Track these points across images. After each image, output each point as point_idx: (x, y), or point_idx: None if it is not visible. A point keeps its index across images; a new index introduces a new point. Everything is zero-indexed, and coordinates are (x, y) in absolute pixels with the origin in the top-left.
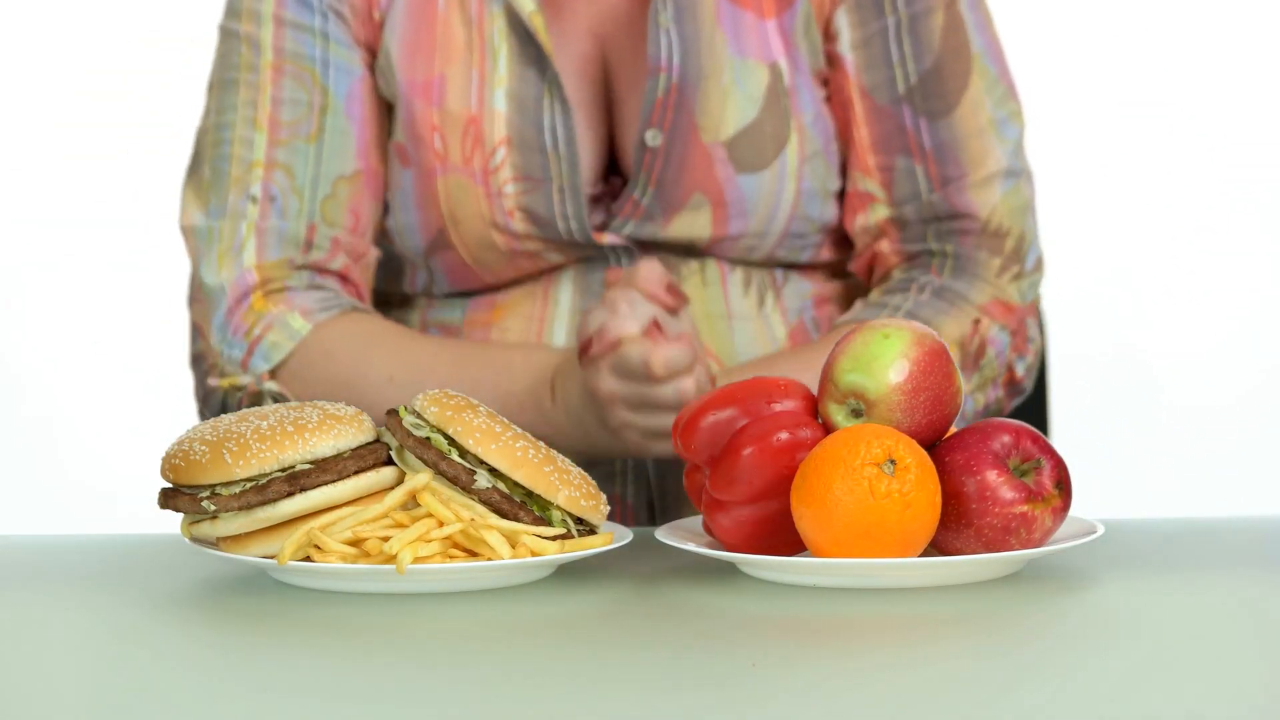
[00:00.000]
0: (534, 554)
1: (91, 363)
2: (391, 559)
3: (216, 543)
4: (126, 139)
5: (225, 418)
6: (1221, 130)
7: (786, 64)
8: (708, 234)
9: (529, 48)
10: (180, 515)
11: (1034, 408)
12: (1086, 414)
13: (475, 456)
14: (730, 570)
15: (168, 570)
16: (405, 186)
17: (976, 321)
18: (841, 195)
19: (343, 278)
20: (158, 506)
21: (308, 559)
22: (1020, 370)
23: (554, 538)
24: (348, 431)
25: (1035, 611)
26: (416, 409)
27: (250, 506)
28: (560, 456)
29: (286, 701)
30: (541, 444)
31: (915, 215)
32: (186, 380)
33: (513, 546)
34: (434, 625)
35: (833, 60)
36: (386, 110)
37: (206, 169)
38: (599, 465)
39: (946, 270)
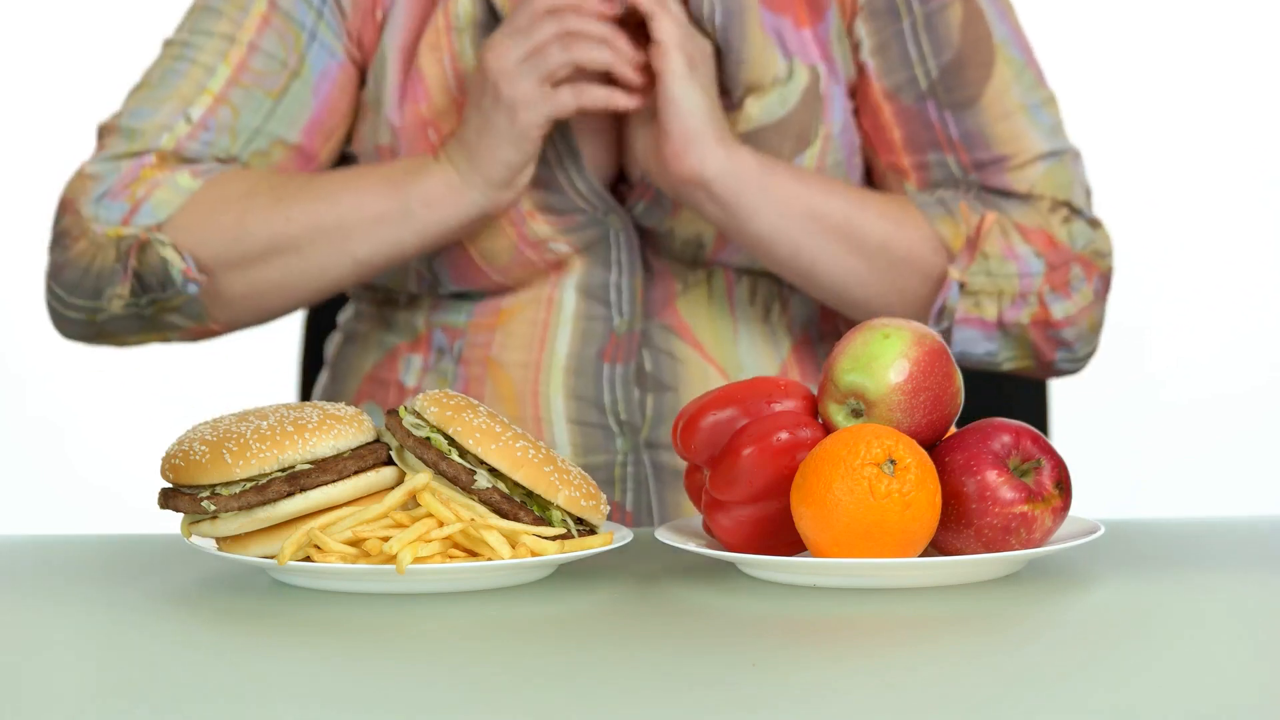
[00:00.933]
0: (534, 554)
1: (92, 363)
2: (391, 559)
3: (217, 543)
4: None
5: (226, 417)
6: (1222, 128)
7: (824, 70)
8: (713, 231)
9: (493, 28)
10: (180, 515)
11: (1034, 408)
12: (1086, 414)
13: (475, 456)
14: (730, 570)
15: (168, 570)
16: None
17: (990, 218)
18: None
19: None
20: (158, 506)
21: (308, 559)
22: (1058, 313)
23: (554, 538)
24: (348, 431)
25: (1035, 611)
26: (417, 409)
27: (250, 506)
28: (560, 457)
29: (286, 701)
30: (541, 444)
31: (950, 187)
32: (187, 380)
33: (513, 546)
34: (434, 625)
35: (858, 70)
36: (351, 111)
37: (154, 73)
38: (598, 472)
39: (996, 200)
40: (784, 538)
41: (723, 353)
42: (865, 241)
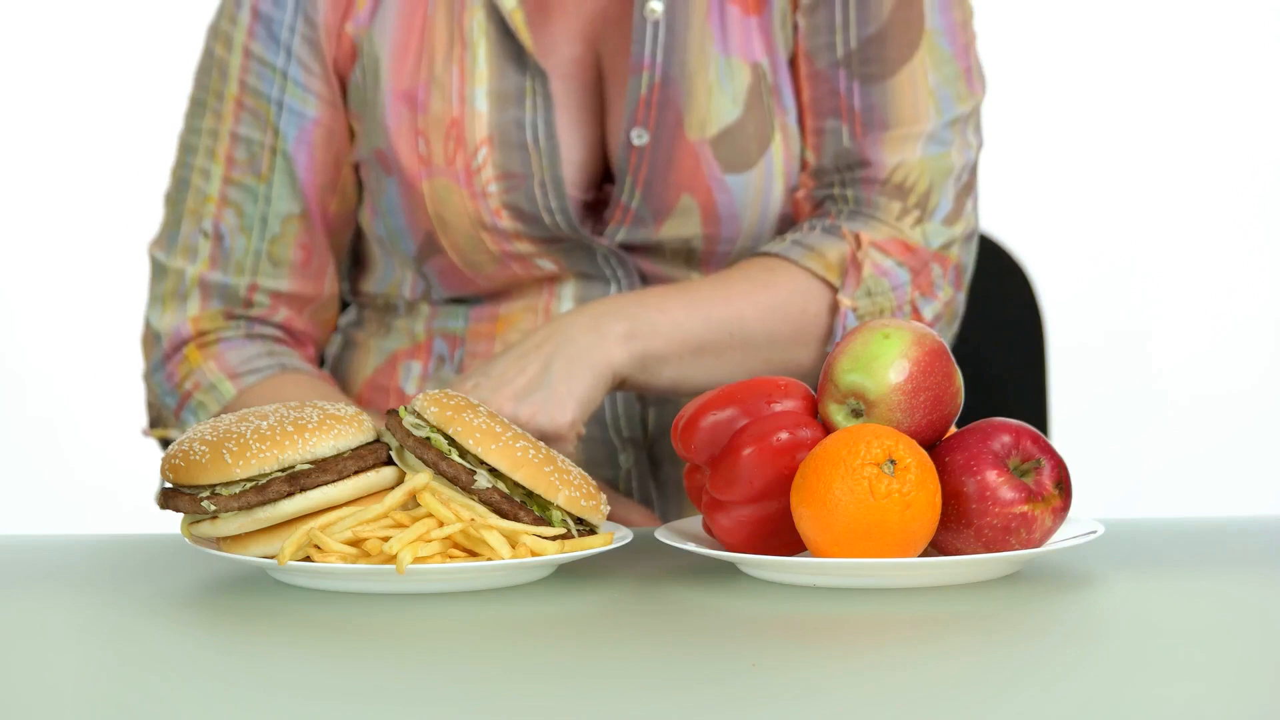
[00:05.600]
0: (534, 554)
1: (93, 363)
2: (391, 559)
3: (216, 543)
4: (131, 138)
5: (225, 418)
6: (1222, 126)
7: (768, 63)
8: (699, 234)
9: (509, 43)
10: (180, 515)
11: (1034, 408)
12: (1086, 413)
13: (475, 456)
14: (730, 570)
15: (168, 570)
16: (390, 193)
17: (857, 239)
18: None
19: (286, 328)
20: (158, 506)
21: (308, 559)
22: (928, 313)
23: (554, 538)
24: (348, 431)
25: (1035, 611)
26: (417, 409)
27: (250, 506)
28: (560, 457)
29: (286, 701)
30: (542, 445)
31: (830, 164)
32: None
33: (513, 546)
34: (434, 625)
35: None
36: (347, 140)
37: (172, 184)
38: (601, 474)
39: (843, 215)
40: (784, 538)
41: None
42: (755, 340)
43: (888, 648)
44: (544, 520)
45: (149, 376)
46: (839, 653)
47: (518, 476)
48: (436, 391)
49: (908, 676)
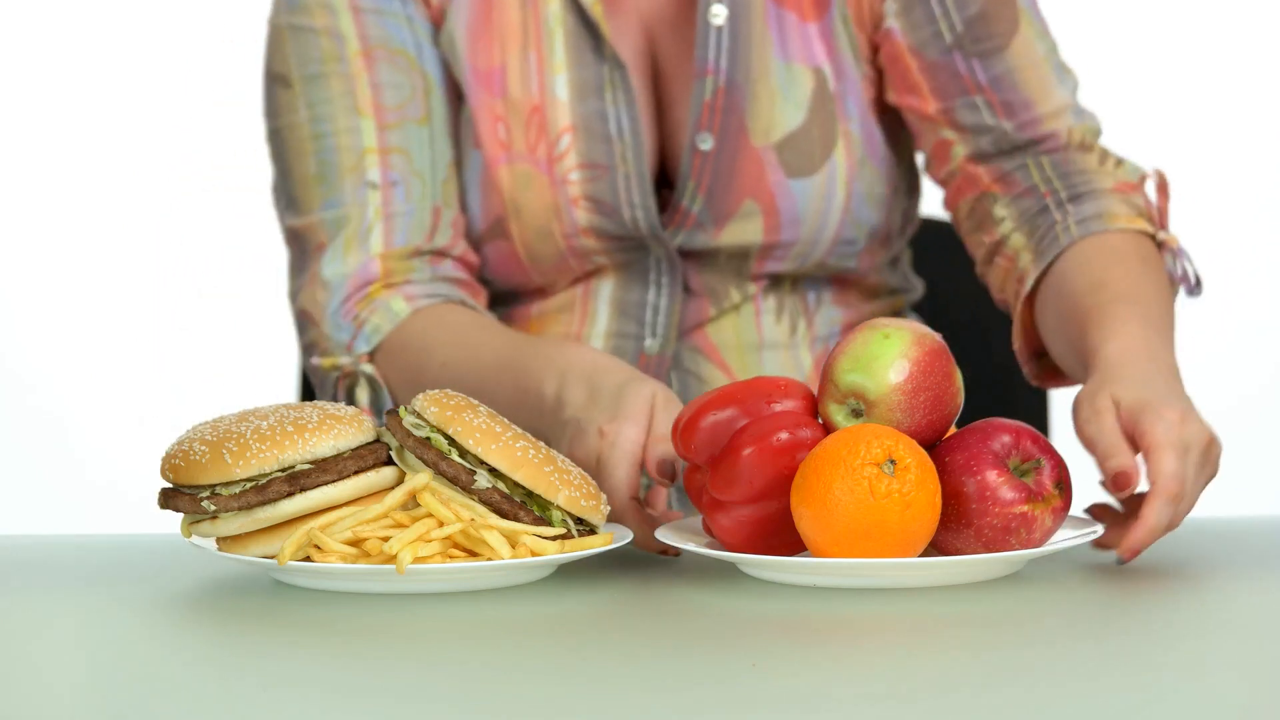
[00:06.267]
0: (534, 554)
1: (93, 363)
2: (391, 559)
3: (217, 543)
4: (133, 138)
5: (226, 417)
6: (1224, 130)
7: (830, 68)
8: (759, 241)
9: (585, 31)
10: (180, 515)
11: (1034, 408)
12: None
13: (475, 456)
14: (730, 570)
15: (168, 570)
16: (473, 168)
17: (1135, 185)
18: (909, 190)
19: (465, 263)
20: (158, 506)
21: (308, 559)
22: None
23: (554, 538)
24: (347, 431)
25: (1035, 611)
26: (416, 409)
27: (250, 506)
28: (560, 456)
29: (286, 701)
30: (542, 444)
31: (993, 147)
32: (188, 381)
33: (513, 546)
34: (434, 625)
35: (883, 40)
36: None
37: (309, 164)
38: None
39: (1050, 171)
40: (784, 538)
41: (748, 374)
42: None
43: (888, 648)
44: (544, 520)
45: (329, 319)
46: (839, 653)
47: (518, 476)
48: (436, 391)
49: (908, 676)
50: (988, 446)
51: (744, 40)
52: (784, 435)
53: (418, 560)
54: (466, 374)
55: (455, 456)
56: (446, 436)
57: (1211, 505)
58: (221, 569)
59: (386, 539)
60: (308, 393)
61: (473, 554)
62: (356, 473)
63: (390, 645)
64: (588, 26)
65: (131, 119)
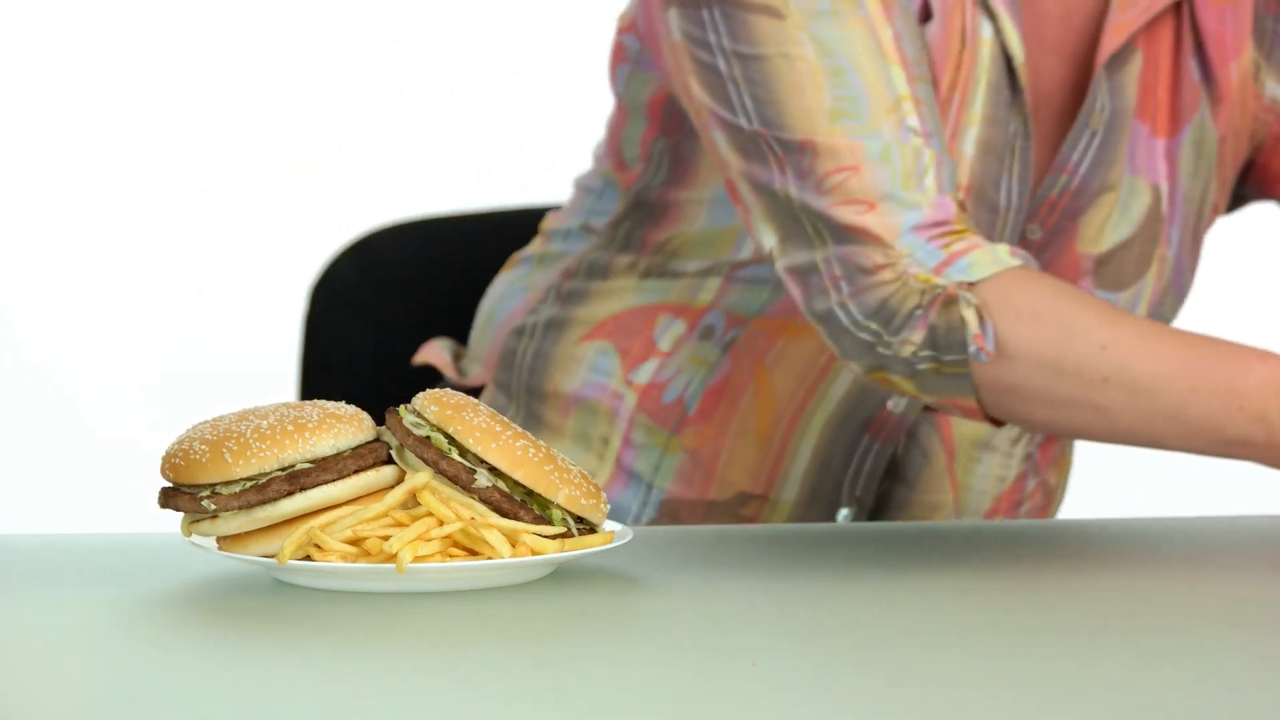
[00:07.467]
0: (534, 553)
1: (93, 362)
2: (391, 558)
3: (216, 542)
4: (133, 138)
5: (226, 416)
6: None
7: (1166, 188)
8: None
9: (1004, 90)
10: (180, 515)
11: None
12: None
13: (475, 455)
14: (730, 570)
15: (168, 570)
16: None
17: None
18: None
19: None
20: (158, 506)
21: (308, 558)
22: None
23: (554, 536)
24: (347, 430)
25: (1035, 611)
26: (416, 408)
27: (250, 506)
28: (561, 455)
29: (286, 701)
30: (542, 443)
31: None
32: (187, 380)
33: (513, 545)
34: (434, 625)
35: (1269, 113)
36: None
37: (821, 98)
38: (823, 495)
39: None
40: None
41: (964, 469)
42: None
43: (887, 648)
44: (544, 519)
45: (905, 234)
46: (839, 652)
47: (518, 475)
48: (436, 390)
49: (908, 676)
50: None
51: (1112, 150)
52: None
53: (418, 559)
54: (1141, 373)
55: (455, 455)
56: (446, 435)
57: (1212, 505)
58: (221, 568)
59: (386, 538)
60: (308, 392)
61: (473, 553)
62: (356, 472)
63: (390, 645)
64: (1010, 78)
65: (131, 119)
